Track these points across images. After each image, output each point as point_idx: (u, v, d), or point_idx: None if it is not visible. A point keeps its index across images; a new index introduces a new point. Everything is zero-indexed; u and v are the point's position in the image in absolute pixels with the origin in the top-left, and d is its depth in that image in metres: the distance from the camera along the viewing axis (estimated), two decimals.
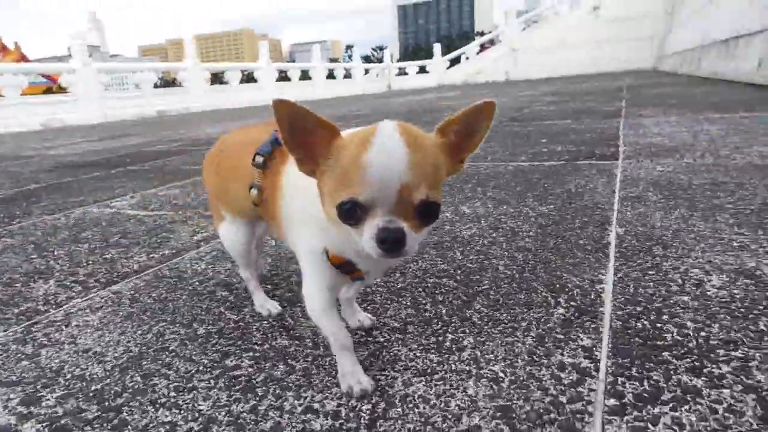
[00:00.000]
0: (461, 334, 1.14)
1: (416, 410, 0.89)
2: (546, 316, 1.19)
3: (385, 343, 1.13)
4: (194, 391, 1.00)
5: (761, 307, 1.15)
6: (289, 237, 1.04)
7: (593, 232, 1.76)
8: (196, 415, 0.92)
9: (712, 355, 0.98)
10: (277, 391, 0.98)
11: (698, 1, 16.14)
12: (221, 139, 1.29)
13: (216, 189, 1.26)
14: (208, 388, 1.00)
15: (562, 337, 1.09)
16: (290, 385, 1.00)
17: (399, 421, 0.86)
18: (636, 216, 1.89)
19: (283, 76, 22.48)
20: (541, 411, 0.86)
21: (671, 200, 2.05)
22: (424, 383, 0.97)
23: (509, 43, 27.92)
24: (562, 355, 1.02)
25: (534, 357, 1.02)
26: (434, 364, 1.02)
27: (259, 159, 1.04)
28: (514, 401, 0.89)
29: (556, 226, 1.86)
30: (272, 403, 0.94)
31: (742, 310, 1.14)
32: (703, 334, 1.06)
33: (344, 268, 0.94)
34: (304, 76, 22.92)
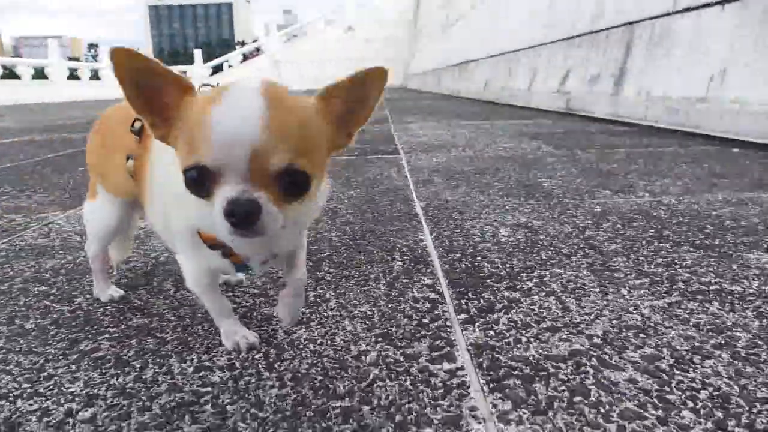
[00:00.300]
0: (321, 290, 1.24)
1: (307, 349, 0.97)
2: (389, 269, 1.37)
3: (253, 306, 1.17)
4: (54, 378, 0.90)
5: (538, 246, 1.52)
6: (152, 214, 0.95)
7: (401, 206, 2.03)
8: (70, 396, 0.84)
9: (519, 278, 1.28)
10: (157, 360, 0.94)
11: (435, 32, 18.80)
12: (108, 109, 1.15)
13: (96, 163, 1.11)
14: (70, 372, 0.91)
15: (407, 281, 1.28)
16: (169, 353, 0.97)
17: (296, 360, 0.93)
18: (430, 194, 2.23)
19: (8, 73, 18.95)
20: (413, 331, 1.03)
21: (452, 181, 2.47)
22: (305, 330, 1.05)
23: (272, 55, 28.43)
24: (413, 292, 1.21)
25: (391, 297, 1.19)
26: (307, 315, 1.11)
27: (138, 124, 0.93)
28: (389, 329, 1.04)
29: (369, 204, 2.08)
30: (157, 370, 0.91)
31: (527, 248, 1.50)
32: (508, 266, 1.36)
33: (220, 248, 0.82)
34: (39, 74, 19.68)
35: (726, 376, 0.85)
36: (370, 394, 0.82)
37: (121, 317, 1.12)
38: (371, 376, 0.87)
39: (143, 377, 0.89)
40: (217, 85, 0.76)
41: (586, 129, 4.58)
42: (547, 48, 7.38)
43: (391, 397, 0.81)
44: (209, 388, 0.85)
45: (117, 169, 1.00)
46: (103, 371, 0.91)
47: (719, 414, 0.75)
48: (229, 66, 29.37)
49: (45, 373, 0.91)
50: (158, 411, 0.80)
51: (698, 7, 4.16)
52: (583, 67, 6.13)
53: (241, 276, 1.23)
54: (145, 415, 0.79)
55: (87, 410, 0.80)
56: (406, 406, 0.79)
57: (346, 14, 29.40)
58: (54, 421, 0.78)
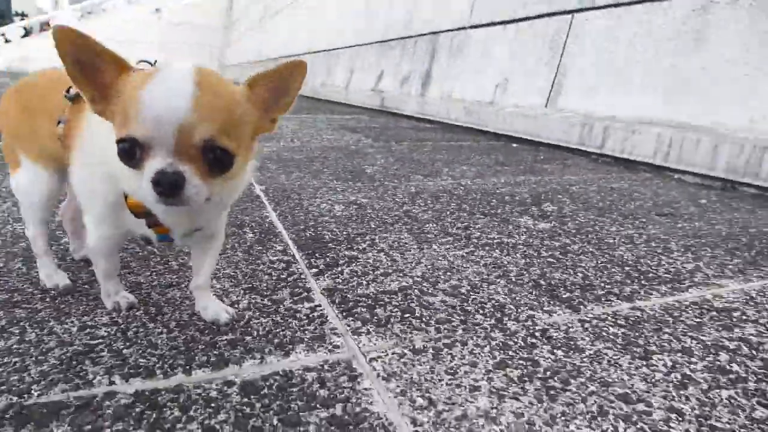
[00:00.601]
0: (181, 261, 1.36)
1: (184, 305, 1.11)
2: (241, 240, 1.53)
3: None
4: None
5: (367, 218, 1.82)
6: (78, 177, 0.94)
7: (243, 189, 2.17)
8: None
9: (355, 241, 1.55)
10: (36, 325, 1.00)
11: (253, 22, 18.45)
12: (29, 76, 1.10)
13: (16, 128, 1.04)
14: None
15: (261, 248, 1.47)
16: (47, 318, 1.03)
17: (176, 313, 1.07)
18: (267, 178, 2.41)
19: None
20: (274, 284, 1.23)
21: (286, 168, 2.67)
22: (178, 291, 1.18)
23: None
24: (268, 256, 1.40)
25: (250, 261, 1.37)
26: (174, 281, 1.23)
27: (73, 91, 0.93)
28: (253, 283, 1.22)
29: None
30: (39, 332, 0.97)
31: (358, 219, 1.79)
32: (344, 233, 1.63)
33: (146, 217, 0.88)
34: None
35: (503, 294, 1.22)
36: (250, 328, 1.01)
37: None
38: (247, 317, 1.06)
39: (26, 339, 0.95)
40: (154, 63, 0.84)
41: (398, 125, 5.13)
42: (364, 48, 7.91)
43: (267, 329, 1.01)
44: (100, 340, 0.95)
45: (45, 135, 0.99)
46: None
47: (498, 315, 1.11)
48: (6, 41, 25.06)
49: None
50: (55, 361, 0.88)
51: (486, 24, 4.95)
52: (395, 69, 6.76)
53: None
54: (44, 365, 0.87)
55: None
56: (281, 333, 1.00)
57: None
58: None
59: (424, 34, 6.13)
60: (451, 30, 5.55)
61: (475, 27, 5.13)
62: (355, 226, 1.71)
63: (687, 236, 1.75)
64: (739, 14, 2.79)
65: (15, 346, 0.92)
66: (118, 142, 0.71)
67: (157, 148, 0.70)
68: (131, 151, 0.71)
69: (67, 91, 0.94)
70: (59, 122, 0.94)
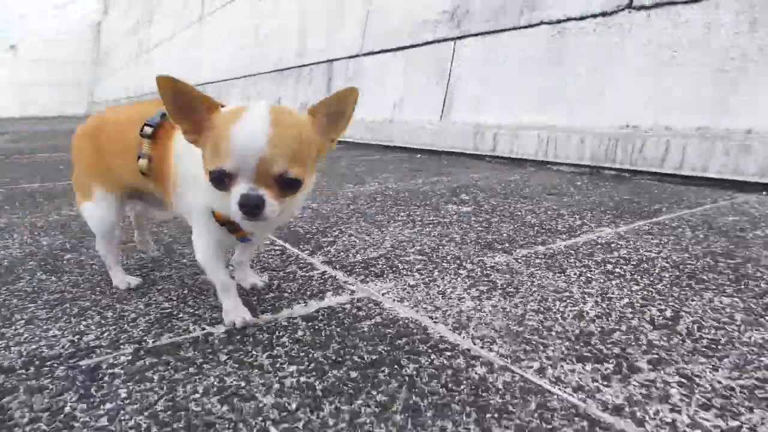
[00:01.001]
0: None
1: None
2: None
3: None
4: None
5: (325, 216, 2.16)
6: (177, 199, 1.11)
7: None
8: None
9: (326, 232, 1.89)
10: (108, 308, 1.23)
11: (128, 56, 17.77)
12: (98, 116, 1.28)
13: (91, 165, 1.23)
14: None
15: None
16: (112, 303, 1.25)
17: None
18: None
19: None
20: (281, 263, 1.53)
21: None
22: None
23: None
24: (262, 248, 1.70)
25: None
26: None
27: (148, 129, 1.11)
28: (265, 265, 1.52)
29: None
30: (118, 311, 1.20)
31: (319, 219, 2.12)
32: (314, 228, 1.96)
33: (228, 226, 1.06)
34: None
35: (456, 250, 1.63)
36: (282, 290, 1.32)
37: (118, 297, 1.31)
38: (275, 284, 1.36)
39: (111, 315, 1.18)
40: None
41: None
42: (259, 78, 8.17)
43: (296, 288, 1.33)
44: (170, 309, 1.21)
45: (123, 169, 1.18)
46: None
47: (458, 261, 1.52)
48: None
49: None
50: (146, 324, 1.13)
51: (378, 52, 5.49)
52: (293, 95, 7.11)
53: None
54: (140, 326, 1.12)
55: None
56: (308, 288, 1.32)
57: (9, 31, 24.98)
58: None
59: (320, 63, 6.57)
60: (345, 58, 6.04)
61: (368, 54, 5.66)
62: (320, 222, 2.04)
63: (572, 206, 2.30)
64: (589, 39, 3.54)
65: (106, 320, 1.15)
66: (212, 172, 0.88)
67: (242, 177, 0.87)
68: (221, 179, 0.88)
69: (141, 130, 1.11)
70: (139, 157, 1.11)
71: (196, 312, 1.18)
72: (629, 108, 3.26)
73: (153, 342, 1.04)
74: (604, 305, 1.21)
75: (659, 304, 1.22)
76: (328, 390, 0.87)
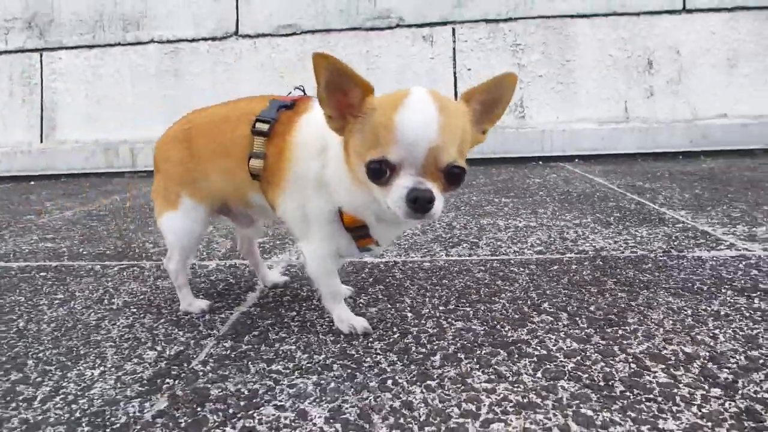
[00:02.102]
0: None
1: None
2: None
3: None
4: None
5: None
6: (287, 202, 0.98)
7: None
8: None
9: None
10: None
11: None
12: (185, 118, 1.04)
13: (182, 172, 1.01)
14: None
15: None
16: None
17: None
18: None
19: None
20: None
21: None
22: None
23: None
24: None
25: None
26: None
27: (262, 126, 0.97)
28: None
29: None
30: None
31: None
32: None
33: (357, 231, 0.94)
34: None
35: None
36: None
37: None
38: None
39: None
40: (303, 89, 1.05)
41: None
42: None
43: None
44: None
45: (227, 173, 1.04)
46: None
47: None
48: None
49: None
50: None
51: None
52: None
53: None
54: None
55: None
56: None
57: None
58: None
59: None
60: None
61: None
62: None
63: None
64: (204, 58, 4.04)
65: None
66: (371, 162, 0.77)
67: (407, 168, 0.77)
68: (382, 170, 0.77)
69: (253, 127, 0.98)
70: (251, 157, 0.98)
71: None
72: None
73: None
74: None
75: None
76: None
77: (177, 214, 1.10)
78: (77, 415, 0.80)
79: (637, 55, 3.81)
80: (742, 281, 1.24)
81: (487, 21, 3.89)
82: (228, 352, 0.99)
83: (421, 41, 3.92)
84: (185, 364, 0.95)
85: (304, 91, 1.07)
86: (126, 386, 0.88)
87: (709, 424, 0.71)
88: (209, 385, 0.87)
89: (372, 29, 3.95)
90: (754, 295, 1.15)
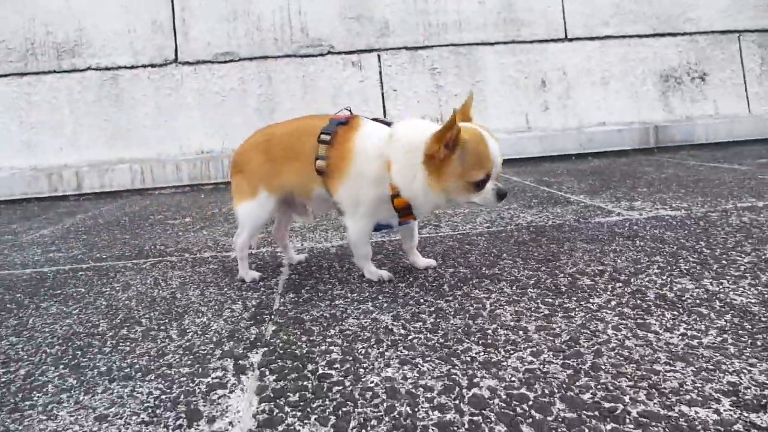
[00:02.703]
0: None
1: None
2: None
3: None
4: None
5: None
6: (345, 190, 1.36)
7: None
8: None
9: None
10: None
11: None
12: (267, 130, 1.48)
13: (261, 171, 1.42)
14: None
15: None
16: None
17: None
18: None
19: None
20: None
21: None
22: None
23: None
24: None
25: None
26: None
27: (326, 137, 1.36)
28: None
29: None
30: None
31: None
32: None
33: (403, 211, 1.34)
34: None
35: None
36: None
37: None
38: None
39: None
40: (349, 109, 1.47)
41: None
42: None
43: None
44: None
45: (297, 172, 1.43)
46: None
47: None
48: None
49: None
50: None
51: None
52: None
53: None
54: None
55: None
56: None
57: None
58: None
59: None
60: None
61: None
62: None
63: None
64: (145, 84, 4.23)
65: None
66: (481, 178, 1.24)
67: (492, 177, 1.26)
68: (484, 181, 1.25)
69: (319, 138, 1.38)
70: (317, 159, 1.37)
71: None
72: (201, 137, 4.28)
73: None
74: None
75: None
76: None
77: (254, 202, 1.48)
78: (215, 339, 1.15)
79: (533, 76, 4.55)
80: (628, 233, 1.81)
81: (407, 48, 4.46)
82: (296, 299, 1.36)
83: (351, 66, 4.39)
84: (269, 309, 1.31)
85: (350, 110, 1.51)
86: (236, 322, 1.24)
87: (617, 299, 1.22)
88: (299, 315, 1.25)
89: (306, 56, 4.37)
90: (636, 238, 1.72)
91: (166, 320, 1.29)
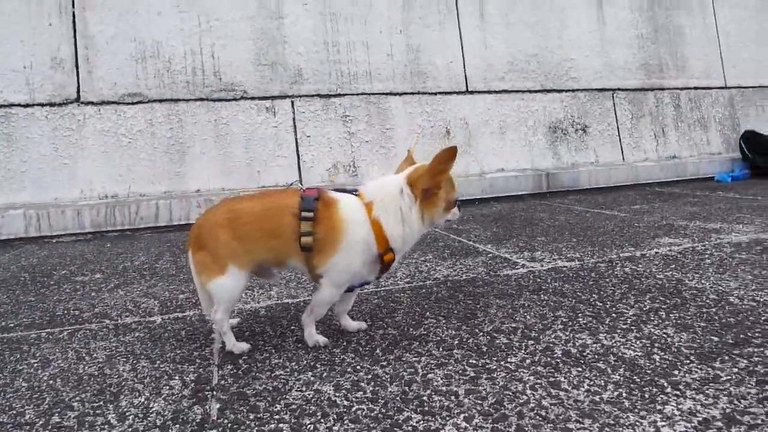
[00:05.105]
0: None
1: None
2: None
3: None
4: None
5: None
6: (339, 262, 1.42)
7: None
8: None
9: None
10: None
11: None
12: (229, 206, 1.44)
13: (228, 249, 1.40)
14: None
15: None
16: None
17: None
18: None
19: None
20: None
21: None
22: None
23: None
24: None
25: None
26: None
27: (308, 214, 1.40)
28: None
29: None
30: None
31: None
32: None
33: (388, 265, 1.47)
34: None
35: None
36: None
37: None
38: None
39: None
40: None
41: None
42: None
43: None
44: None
45: (274, 250, 1.46)
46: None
47: None
48: None
49: None
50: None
51: None
52: None
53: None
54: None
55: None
56: None
57: None
58: None
59: None
60: None
61: None
62: None
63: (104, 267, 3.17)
64: (42, 123, 3.98)
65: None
66: (457, 197, 1.53)
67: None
68: (456, 202, 1.54)
69: (299, 215, 1.40)
70: (302, 236, 1.39)
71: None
72: (106, 181, 4.09)
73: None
74: None
75: None
76: None
77: (225, 278, 1.45)
78: (158, 422, 1.16)
79: (438, 125, 4.87)
80: (533, 286, 2.03)
81: (320, 96, 4.60)
82: (235, 371, 1.39)
83: (264, 111, 4.45)
84: (209, 383, 1.34)
85: (300, 184, 1.67)
86: (177, 401, 1.25)
87: (531, 358, 1.39)
88: (242, 389, 1.28)
89: (219, 100, 4.36)
90: (540, 292, 1.94)
91: (101, 402, 1.27)
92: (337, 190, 1.55)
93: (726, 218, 3.29)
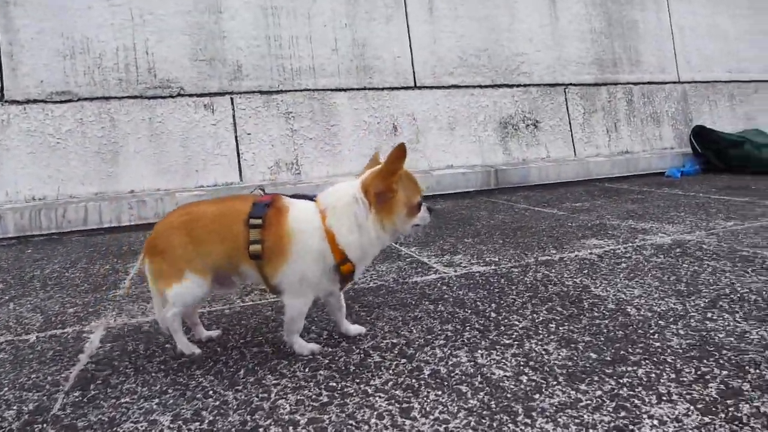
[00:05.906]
0: None
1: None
2: None
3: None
4: None
5: None
6: (291, 271, 1.34)
7: None
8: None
9: None
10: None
11: None
12: (185, 210, 1.36)
13: (184, 254, 1.30)
14: None
15: None
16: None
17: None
18: None
19: None
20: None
21: None
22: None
23: None
24: None
25: None
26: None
27: (256, 221, 1.33)
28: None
29: None
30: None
31: None
32: None
33: (348, 277, 1.40)
34: None
35: None
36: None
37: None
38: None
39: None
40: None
41: None
42: None
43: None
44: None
45: (225, 255, 1.38)
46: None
47: None
48: None
49: None
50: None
51: None
52: None
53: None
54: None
55: None
56: None
57: None
58: None
59: None
60: None
61: None
62: None
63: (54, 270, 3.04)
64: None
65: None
66: (420, 201, 1.42)
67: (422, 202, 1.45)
68: (420, 203, 1.43)
69: (247, 222, 1.34)
70: (251, 244, 1.32)
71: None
72: (32, 183, 3.93)
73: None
74: None
75: None
76: None
77: (182, 284, 1.38)
78: None
79: (385, 121, 4.78)
80: (435, 295, 1.96)
81: (261, 92, 4.48)
82: (81, 398, 1.30)
83: (203, 109, 4.31)
84: (47, 413, 1.24)
85: (263, 190, 1.52)
86: None
87: (395, 379, 1.32)
88: (75, 421, 1.19)
89: (154, 98, 4.21)
90: (440, 302, 1.87)
91: None
92: (296, 196, 1.46)
93: (660, 217, 3.27)
